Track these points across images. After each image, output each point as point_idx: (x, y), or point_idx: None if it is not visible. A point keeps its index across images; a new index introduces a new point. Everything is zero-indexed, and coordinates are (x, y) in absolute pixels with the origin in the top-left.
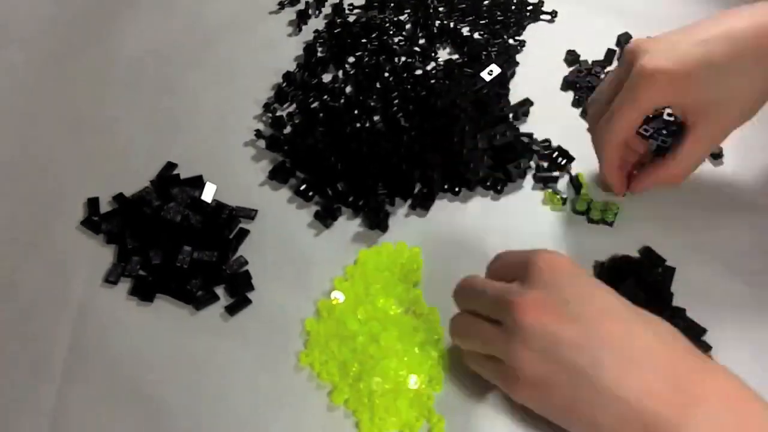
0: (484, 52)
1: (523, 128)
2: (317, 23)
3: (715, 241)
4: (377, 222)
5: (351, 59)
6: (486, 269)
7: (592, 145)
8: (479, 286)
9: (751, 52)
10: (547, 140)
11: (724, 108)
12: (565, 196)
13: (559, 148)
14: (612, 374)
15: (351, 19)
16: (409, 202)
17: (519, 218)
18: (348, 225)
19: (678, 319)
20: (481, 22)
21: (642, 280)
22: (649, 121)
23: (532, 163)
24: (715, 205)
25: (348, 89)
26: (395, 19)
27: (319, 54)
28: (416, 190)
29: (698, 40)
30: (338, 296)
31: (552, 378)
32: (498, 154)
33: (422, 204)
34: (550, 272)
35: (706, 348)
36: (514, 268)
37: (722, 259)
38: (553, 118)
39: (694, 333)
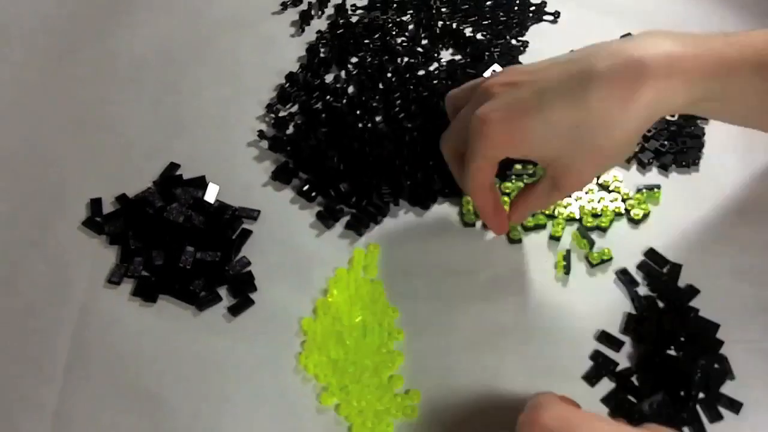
0: (487, 53)
1: None
2: (320, 24)
3: (721, 241)
4: (358, 227)
5: (353, 60)
6: None
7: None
8: None
9: (599, 98)
10: None
11: (575, 157)
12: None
13: None
14: None
15: (354, 19)
16: (408, 201)
17: None
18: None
19: (690, 317)
20: (484, 22)
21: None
22: None
23: None
24: (719, 203)
25: (350, 90)
26: (398, 19)
27: (321, 54)
28: (417, 190)
29: (540, 88)
30: (334, 292)
31: None
32: None
33: (422, 203)
34: None
35: (717, 344)
36: None
37: (729, 258)
38: None
39: (708, 330)
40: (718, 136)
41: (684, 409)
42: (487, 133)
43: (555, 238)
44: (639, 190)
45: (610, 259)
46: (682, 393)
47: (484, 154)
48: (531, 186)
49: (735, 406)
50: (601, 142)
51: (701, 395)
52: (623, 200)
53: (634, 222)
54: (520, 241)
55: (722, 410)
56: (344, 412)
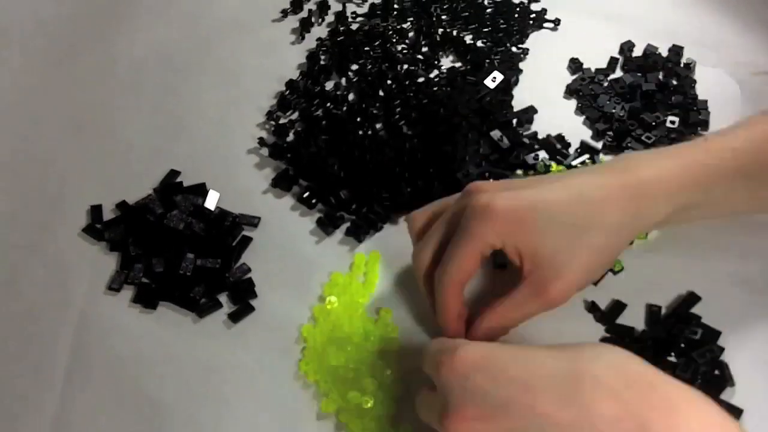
0: (487, 60)
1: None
2: (320, 31)
3: (723, 248)
4: (357, 233)
5: (354, 67)
6: None
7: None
8: (417, 402)
9: (595, 205)
10: (548, 135)
11: (566, 260)
12: None
13: (559, 137)
14: None
15: (354, 27)
16: (408, 208)
17: None
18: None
19: (691, 324)
20: (484, 30)
21: None
22: (652, 128)
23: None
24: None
25: (351, 97)
26: (398, 27)
27: (321, 62)
28: (417, 197)
29: (541, 188)
30: (333, 299)
31: None
32: (502, 157)
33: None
34: (458, 376)
35: (719, 350)
36: (428, 370)
37: (730, 265)
38: (556, 126)
39: (709, 337)
40: None
41: None
42: (491, 217)
43: None
44: None
45: (621, 269)
46: None
47: (483, 238)
48: (501, 300)
49: (735, 413)
50: (597, 247)
51: None
52: None
53: None
54: None
55: None
56: (345, 419)
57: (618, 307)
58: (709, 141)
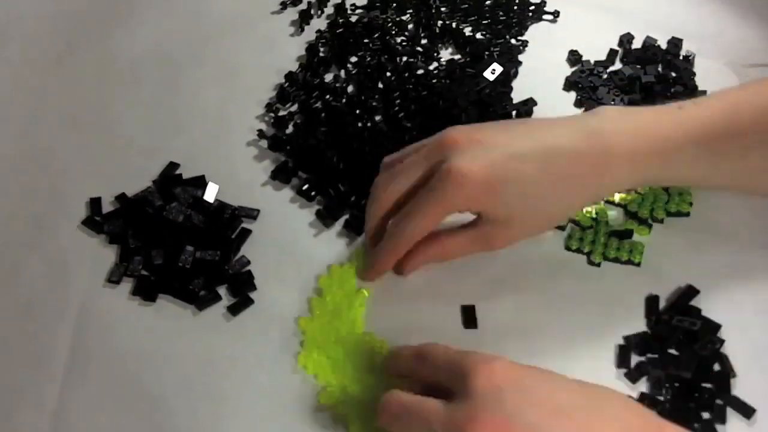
0: (487, 52)
1: None
2: (319, 23)
3: (721, 240)
4: (357, 226)
5: (353, 59)
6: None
7: (367, 233)
8: (412, 410)
9: (562, 174)
10: None
11: (519, 219)
12: None
13: None
14: None
15: (353, 19)
16: None
17: None
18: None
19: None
20: (484, 22)
21: None
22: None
23: None
24: (719, 202)
25: (350, 89)
26: (397, 19)
27: (321, 54)
28: None
29: (514, 153)
30: (330, 291)
31: None
32: None
33: None
34: (493, 387)
35: (719, 342)
36: (446, 374)
37: (729, 258)
38: None
39: (709, 330)
40: None
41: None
42: (463, 185)
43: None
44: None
45: (639, 263)
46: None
47: (453, 203)
48: (447, 234)
49: (747, 411)
50: (554, 210)
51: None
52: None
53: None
54: None
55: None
56: (343, 411)
57: (654, 300)
58: (683, 108)
